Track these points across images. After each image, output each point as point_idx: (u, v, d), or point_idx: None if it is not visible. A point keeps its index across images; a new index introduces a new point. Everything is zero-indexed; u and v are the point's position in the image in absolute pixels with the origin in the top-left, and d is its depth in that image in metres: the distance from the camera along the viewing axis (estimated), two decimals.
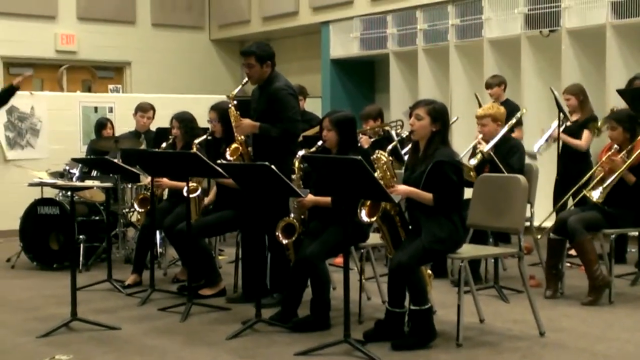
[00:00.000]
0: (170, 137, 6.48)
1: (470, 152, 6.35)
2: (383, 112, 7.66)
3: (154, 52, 12.99)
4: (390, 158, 4.60)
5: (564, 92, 7.36)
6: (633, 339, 4.66)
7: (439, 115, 4.53)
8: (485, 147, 6.07)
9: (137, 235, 6.65)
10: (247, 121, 5.51)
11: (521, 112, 6.98)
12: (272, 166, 4.53)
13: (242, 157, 5.60)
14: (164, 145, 6.40)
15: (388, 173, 4.51)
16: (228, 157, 5.58)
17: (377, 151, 4.57)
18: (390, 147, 4.74)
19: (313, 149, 5.03)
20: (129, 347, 4.59)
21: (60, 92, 11.10)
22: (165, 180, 6.29)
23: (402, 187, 4.46)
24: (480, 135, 6.17)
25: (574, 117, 7.30)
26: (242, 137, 5.59)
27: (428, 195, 4.40)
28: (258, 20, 12.62)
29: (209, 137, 6.12)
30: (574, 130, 7.21)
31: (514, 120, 6.50)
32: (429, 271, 4.83)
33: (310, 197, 4.99)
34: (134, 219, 6.95)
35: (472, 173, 5.91)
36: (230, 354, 4.39)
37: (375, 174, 4.33)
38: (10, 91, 7.52)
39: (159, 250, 7.25)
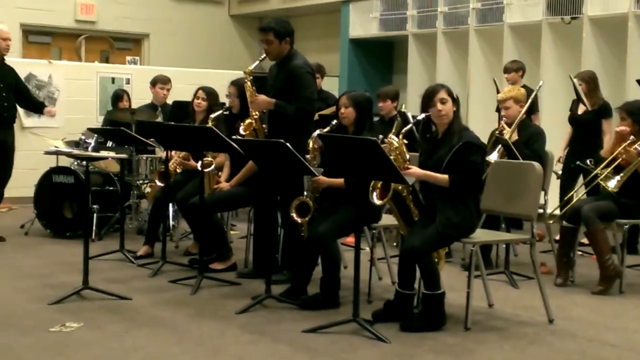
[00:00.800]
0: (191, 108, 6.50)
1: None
2: (399, 92, 7.62)
3: (172, 25, 12.97)
4: (405, 141, 4.54)
5: (575, 76, 7.27)
6: None
7: (454, 95, 4.52)
8: (509, 134, 5.99)
9: (150, 207, 6.67)
10: (262, 97, 5.50)
11: (539, 86, 6.80)
12: (287, 144, 4.52)
13: (256, 133, 5.60)
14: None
15: (400, 156, 4.47)
16: (241, 132, 5.58)
17: (389, 137, 4.54)
18: (406, 128, 4.66)
19: (328, 128, 5.01)
20: (138, 317, 4.62)
21: (78, 62, 11.13)
22: (190, 162, 6.30)
23: (416, 170, 4.44)
24: (505, 119, 6.12)
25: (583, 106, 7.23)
26: (257, 113, 5.58)
27: (444, 177, 4.37)
28: None
29: (226, 113, 6.12)
30: (590, 119, 7.14)
31: (532, 98, 6.39)
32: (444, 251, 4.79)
33: (324, 178, 4.98)
34: (147, 191, 6.96)
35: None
36: (239, 328, 4.41)
37: None
38: (40, 107, 7.50)
39: (172, 222, 7.28)
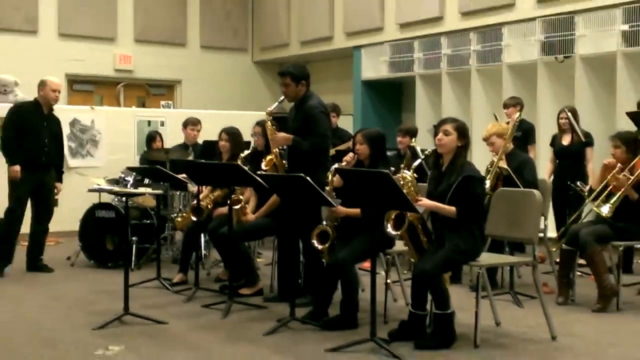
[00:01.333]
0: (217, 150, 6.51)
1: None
2: (417, 131, 7.61)
3: (202, 71, 13.08)
4: (416, 175, 4.56)
5: (563, 109, 7.32)
6: None
7: (465, 132, 4.52)
8: (500, 162, 5.96)
9: (183, 238, 6.68)
10: (281, 134, 5.53)
11: (517, 118, 6.64)
12: (307, 177, 4.52)
13: (277, 168, 5.61)
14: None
15: (412, 189, 4.49)
16: (263, 167, 5.60)
17: (401, 171, 4.55)
18: (416, 163, 4.68)
19: (345, 163, 5.01)
20: (175, 340, 4.60)
21: (118, 107, 11.23)
22: (220, 209, 6.29)
23: (427, 201, 4.43)
24: (493, 154, 6.10)
25: (568, 137, 7.22)
26: (277, 149, 5.60)
27: (451, 209, 4.37)
28: (296, 43, 12.66)
29: (252, 151, 6.14)
30: (579, 149, 7.15)
31: (511, 128, 6.27)
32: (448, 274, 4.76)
33: (342, 207, 4.98)
34: (177, 219, 6.96)
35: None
36: (267, 348, 4.38)
37: None
38: (59, 169, 7.18)
39: (203, 252, 7.28)
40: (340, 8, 11.74)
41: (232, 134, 6.46)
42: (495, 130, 6.10)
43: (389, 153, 5.37)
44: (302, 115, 5.53)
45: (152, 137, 8.52)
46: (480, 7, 9.54)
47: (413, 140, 7.28)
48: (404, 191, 4.35)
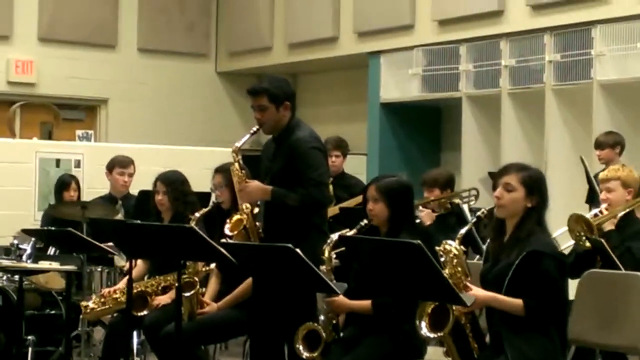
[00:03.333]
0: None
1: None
2: (454, 178, 7.65)
3: (139, 87, 13.16)
4: (463, 248, 4.56)
5: None
6: None
7: (537, 186, 4.53)
8: (608, 224, 5.96)
9: (105, 337, 6.64)
10: (255, 183, 5.56)
11: None
12: (297, 249, 4.53)
13: (248, 233, 5.62)
14: None
15: (459, 269, 4.48)
16: (227, 232, 5.60)
17: (444, 242, 4.56)
18: (464, 231, 4.70)
19: (354, 231, 5.01)
20: None
21: (11, 139, 11.26)
22: (161, 298, 6.29)
23: (481, 293, 4.41)
24: (604, 205, 6.10)
25: None
26: (248, 205, 5.61)
27: (517, 303, 4.37)
28: (282, 47, 12.77)
29: (212, 208, 6.16)
30: None
31: None
32: None
33: (345, 300, 4.97)
34: (85, 305, 6.91)
35: None
36: None
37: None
38: None
39: (136, 359, 7.24)
40: None
41: (172, 182, 6.47)
42: (622, 173, 6.11)
43: None
44: (285, 153, 5.57)
45: (64, 184, 8.53)
46: None
47: (447, 193, 7.30)
48: (446, 273, 4.35)
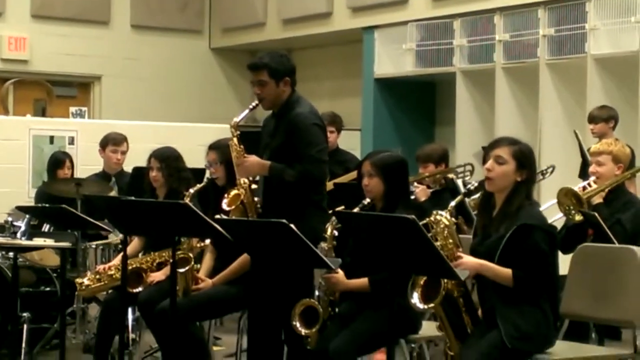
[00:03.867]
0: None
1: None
2: (449, 153, 7.65)
3: (132, 63, 13.15)
4: (455, 220, 4.57)
5: None
6: None
7: (527, 161, 4.54)
8: (597, 198, 5.98)
9: (99, 313, 6.65)
10: (253, 158, 5.56)
11: None
12: (291, 225, 4.53)
13: (245, 209, 5.62)
14: None
15: (450, 241, 4.49)
16: (224, 207, 5.60)
17: (434, 212, 4.56)
18: (454, 202, 4.71)
19: (357, 209, 5.00)
20: None
21: (4, 116, 11.25)
22: (156, 275, 6.30)
23: (471, 260, 4.44)
24: (592, 178, 6.11)
25: None
26: (246, 181, 5.62)
27: (507, 272, 4.39)
28: (276, 23, 12.76)
29: (207, 184, 6.16)
30: None
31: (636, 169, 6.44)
32: None
33: (343, 278, 4.98)
34: (80, 282, 6.91)
35: None
36: None
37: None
38: None
39: (131, 336, 7.25)
40: None
41: (165, 158, 6.47)
42: (613, 148, 6.11)
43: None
44: (285, 128, 5.56)
45: (58, 162, 8.52)
46: None
47: (441, 168, 7.31)
48: (438, 244, 4.36)
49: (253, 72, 5.64)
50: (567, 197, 5.88)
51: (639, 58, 8.81)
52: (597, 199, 5.98)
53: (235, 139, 5.59)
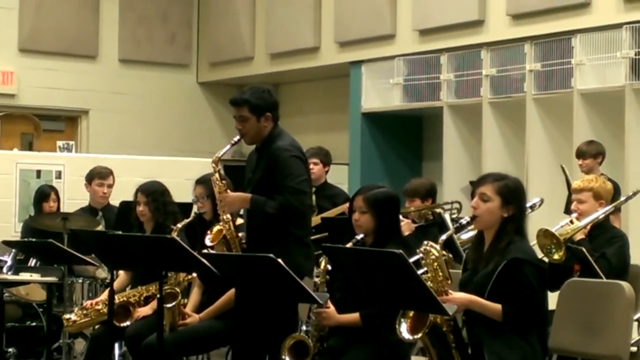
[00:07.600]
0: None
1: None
2: (436, 188, 7.64)
3: (120, 97, 13.13)
4: (445, 253, 4.58)
5: None
6: None
7: (513, 196, 4.55)
8: (579, 234, 5.99)
9: (86, 348, 6.61)
10: (234, 193, 5.56)
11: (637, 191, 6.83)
12: (279, 260, 4.52)
13: (228, 243, 5.61)
14: None
15: (440, 274, 4.49)
16: (207, 242, 5.59)
17: (426, 243, 4.57)
18: (444, 237, 4.72)
19: (350, 244, 5.00)
20: None
21: None
22: (143, 310, 6.28)
23: (461, 295, 4.44)
24: (574, 215, 6.13)
25: None
26: (229, 216, 5.62)
27: (497, 307, 4.40)
28: (264, 57, 12.77)
29: (194, 219, 6.15)
30: None
31: (619, 202, 6.46)
32: None
33: (334, 313, 4.97)
34: (67, 318, 6.88)
35: None
36: None
37: (423, 275, 4.31)
38: None
39: None
40: (331, 7, 11.86)
41: (152, 193, 6.46)
42: (595, 185, 6.12)
43: None
44: (265, 162, 5.58)
45: (42, 195, 8.51)
46: (540, 6, 9.70)
47: (428, 203, 7.30)
48: (428, 276, 4.36)
49: (234, 108, 5.68)
50: (546, 238, 5.87)
51: (624, 93, 8.85)
52: (580, 235, 5.99)
53: (217, 175, 5.60)
